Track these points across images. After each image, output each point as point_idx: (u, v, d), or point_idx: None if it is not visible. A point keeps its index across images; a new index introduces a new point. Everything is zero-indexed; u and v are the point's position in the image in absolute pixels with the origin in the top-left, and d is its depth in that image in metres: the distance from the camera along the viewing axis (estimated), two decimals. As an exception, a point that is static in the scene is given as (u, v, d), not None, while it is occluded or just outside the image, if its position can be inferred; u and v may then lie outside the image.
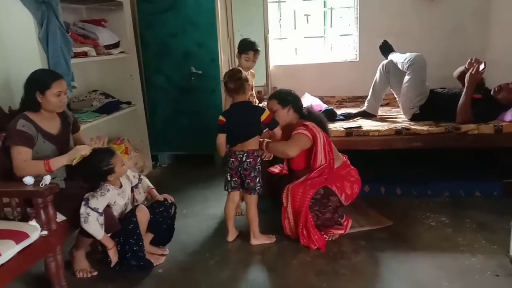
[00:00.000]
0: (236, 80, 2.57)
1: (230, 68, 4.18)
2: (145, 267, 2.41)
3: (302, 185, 2.57)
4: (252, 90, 3.22)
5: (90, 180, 2.31)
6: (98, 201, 2.22)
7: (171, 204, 2.57)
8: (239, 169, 2.61)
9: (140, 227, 2.39)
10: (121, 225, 2.36)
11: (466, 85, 3.17)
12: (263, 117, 2.57)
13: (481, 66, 3.12)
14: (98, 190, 2.26)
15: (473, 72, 3.13)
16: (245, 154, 2.58)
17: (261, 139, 2.66)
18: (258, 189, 2.63)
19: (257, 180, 2.62)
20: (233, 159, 2.62)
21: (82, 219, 2.19)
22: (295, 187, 2.58)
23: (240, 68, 2.75)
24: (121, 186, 2.41)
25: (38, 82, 2.30)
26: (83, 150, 2.25)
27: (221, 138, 2.64)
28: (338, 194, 2.62)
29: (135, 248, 2.37)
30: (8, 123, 2.34)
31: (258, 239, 2.69)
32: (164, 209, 2.53)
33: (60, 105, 2.35)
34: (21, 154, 2.20)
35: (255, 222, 2.69)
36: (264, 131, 2.69)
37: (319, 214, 2.59)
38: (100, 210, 2.22)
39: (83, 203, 2.20)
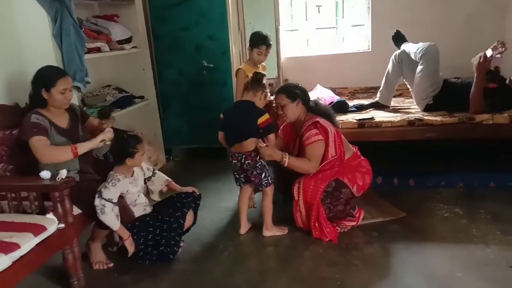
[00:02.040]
0: (256, 79, 2.66)
1: (242, 61, 4.20)
2: (167, 258, 2.45)
3: (313, 178, 2.58)
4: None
5: (112, 155, 2.38)
6: (111, 192, 2.26)
7: (199, 196, 2.63)
8: (241, 170, 2.66)
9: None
10: (165, 221, 2.42)
11: (475, 74, 3.12)
12: (260, 120, 2.56)
13: (488, 53, 3.05)
14: (109, 181, 2.30)
15: (481, 61, 3.08)
16: (244, 156, 2.61)
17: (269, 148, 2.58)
18: (265, 183, 2.64)
19: (262, 175, 2.62)
20: (235, 161, 2.67)
21: (98, 211, 2.23)
22: (306, 181, 2.59)
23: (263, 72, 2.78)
24: (132, 174, 2.45)
25: (44, 79, 2.33)
26: (107, 135, 2.34)
27: (220, 136, 2.72)
28: (349, 185, 2.62)
29: (172, 242, 2.43)
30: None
31: (270, 231, 2.71)
32: (192, 199, 2.59)
33: (65, 102, 2.38)
34: (41, 141, 2.23)
35: (269, 214, 2.71)
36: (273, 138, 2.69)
37: (331, 207, 2.60)
38: (115, 200, 2.26)
39: (96, 195, 2.24)
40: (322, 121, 2.61)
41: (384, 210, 2.90)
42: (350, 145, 2.79)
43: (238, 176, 2.72)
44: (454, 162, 3.44)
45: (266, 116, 2.58)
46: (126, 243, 2.39)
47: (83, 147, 2.30)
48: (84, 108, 3.06)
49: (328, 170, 2.60)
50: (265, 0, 4.31)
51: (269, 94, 3.29)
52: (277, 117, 3.15)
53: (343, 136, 2.70)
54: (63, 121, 2.44)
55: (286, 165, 2.56)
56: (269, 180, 2.65)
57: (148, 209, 2.52)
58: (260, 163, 2.61)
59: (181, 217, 2.47)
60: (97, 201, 2.23)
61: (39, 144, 2.23)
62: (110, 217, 2.25)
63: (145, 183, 2.56)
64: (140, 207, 2.47)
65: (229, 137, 2.67)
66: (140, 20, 3.87)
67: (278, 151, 2.57)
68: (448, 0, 4.22)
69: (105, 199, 2.23)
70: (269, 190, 2.68)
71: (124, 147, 2.34)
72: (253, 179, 2.64)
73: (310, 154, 2.58)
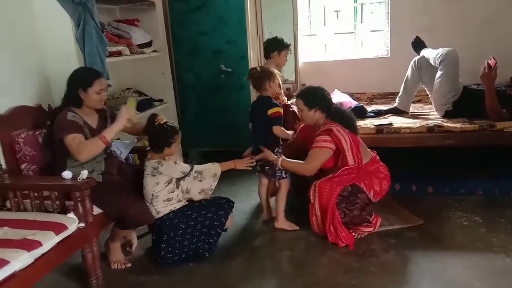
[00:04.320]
0: (255, 78, 2.77)
1: (259, 65, 4.22)
2: (202, 256, 2.50)
3: (329, 181, 2.57)
4: (279, 89, 3.24)
5: (152, 143, 2.54)
6: (178, 168, 2.46)
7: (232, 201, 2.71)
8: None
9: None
10: (208, 218, 2.50)
11: (485, 87, 3.09)
12: (270, 111, 2.72)
13: (491, 62, 3.02)
14: (164, 165, 2.44)
15: (486, 71, 3.05)
16: None
17: (276, 155, 2.72)
18: (278, 175, 2.79)
19: (277, 168, 2.74)
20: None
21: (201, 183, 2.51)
22: (322, 184, 2.58)
23: (259, 67, 2.85)
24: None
25: (81, 80, 2.38)
26: (128, 113, 2.42)
27: (250, 125, 2.95)
28: (366, 191, 2.60)
29: (210, 240, 2.49)
30: (48, 120, 2.46)
31: (280, 224, 2.83)
32: (226, 201, 2.67)
33: (100, 101, 2.44)
34: (76, 139, 2.26)
35: (280, 206, 2.83)
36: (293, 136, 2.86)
37: (347, 211, 2.59)
38: (187, 170, 2.47)
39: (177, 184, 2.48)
40: (337, 129, 2.59)
41: (401, 217, 2.87)
42: (369, 149, 2.77)
43: (256, 163, 2.82)
44: (473, 169, 3.39)
45: (276, 109, 2.73)
46: (240, 166, 2.62)
47: (110, 133, 2.33)
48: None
49: (345, 176, 2.59)
50: (283, 4, 4.32)
51: (286, 99, 3.32)
52: (294, 120, 3.16)
53: (361, 141, 2.69)
54: (93, 120, 2.48)
55: (280, 165, 2.65)
56: (283, 174, 2.79)
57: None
58: (277, 155, 2.74)
59: (223, 216, 2.54)
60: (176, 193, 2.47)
61: (74, 142, 2.25)
62: (205, 174, 2.51)
63: None
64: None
65: (253, 128, 2.90)
66: (160, 24, 3.93)
67: (272, 155, 2.69)
68: (467, 5, 4.16)
69: (181, 177, 2.45)
70: (284, 183, 2.82)
71: (163, 137, 2.46)
72: (267, 167, 2.80)
73: (310, 156, 2.60)
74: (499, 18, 4.11)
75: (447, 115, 3.33)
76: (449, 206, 3.00)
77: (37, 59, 2.84)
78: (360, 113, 3.47)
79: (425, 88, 3.62)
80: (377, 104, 4.06)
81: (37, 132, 2.50)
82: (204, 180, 2.51)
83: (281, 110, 2.76)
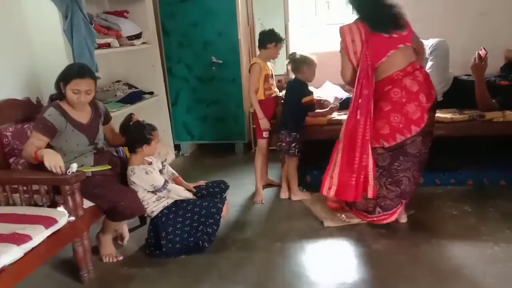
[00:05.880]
0: (295, 60, 3.17)
1: (251, 57, 4.21)
2: (202, 248, 2.48)
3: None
4: (272, 80, 3.23)
5: (130, 143, 2.50)
6: (149, 180, 2.41)
7: (227, 187, 2.76)
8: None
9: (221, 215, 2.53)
10: (203, 207, 2.49)
11: (475, 77, 3.10)
12: (305, 99, 3.06)
13: (482, 53, 3.04)
14: (136, 174, 2.41)
15: (476, 62, 3.05)
16: None
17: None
18: (292, 153, 3.06)
19: (292, 144, 3.05)
20: None
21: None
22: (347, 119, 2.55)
23: (298, 54, 3.14)
24: (150, 163, 2.54)
25: (64, 74, 2.33)
26: (55, 162, 2.12)
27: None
28: (383, 142, 2.44)
29: (209, 230, 2.47)
30: (37, 113, 2.43)
31: (296, 196, 3.14)
32: (220, 190, 2.71)
33: (76, 102, 2.31)
34: (33, 138, 2.25)
35: (294, 180, 3.14)
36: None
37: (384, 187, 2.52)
38: (160, 184, 2.43)
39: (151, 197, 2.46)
40: (349, 26, 2.51)
41: (392, 207, 2.88)
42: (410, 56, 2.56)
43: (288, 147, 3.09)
44: (464, 159, 3.41)
45: (310, 97, 3.09)
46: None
47: (40, 153, 2.15)
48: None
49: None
50: (274, -5, 4.30)
51: (277, 91, 3.31)
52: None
53: (403, 46, 2.53)
54: (84, 115, 2.41)
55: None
56: (296, 152, 3.06)
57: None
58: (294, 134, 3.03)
59: (220, 202, 2.53)
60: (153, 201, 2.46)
61: (29, 140, 2.26)
62: (173, 193, 2.49)
63: None
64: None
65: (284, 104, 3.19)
66: (150, 16, 3.89)
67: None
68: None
69: (154, 191, 2.42)
70: (295, 160, 3.09)
71: (141, 134, 2.43)
72: (284, 143, 3.06)
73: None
74: (494, 10, 4.11)
75: (437, 105, 3.34)
76: (439, 196, 3.03)
77: (25, 51, 2.81)
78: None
79: (416, 79, 3.62)
80: (368, 95, 4.05)
81: (25, 126, 2.48)
82: (172, 196, 2.52)
83: (314, 99, 3.12)
